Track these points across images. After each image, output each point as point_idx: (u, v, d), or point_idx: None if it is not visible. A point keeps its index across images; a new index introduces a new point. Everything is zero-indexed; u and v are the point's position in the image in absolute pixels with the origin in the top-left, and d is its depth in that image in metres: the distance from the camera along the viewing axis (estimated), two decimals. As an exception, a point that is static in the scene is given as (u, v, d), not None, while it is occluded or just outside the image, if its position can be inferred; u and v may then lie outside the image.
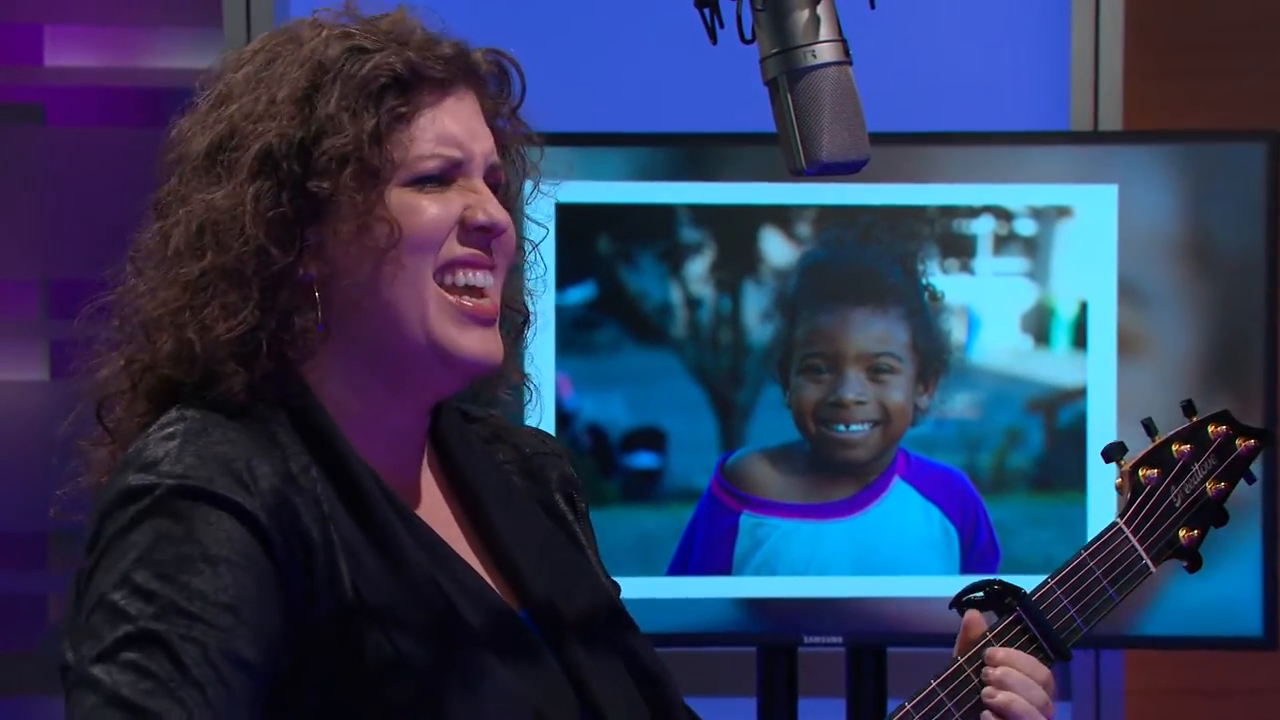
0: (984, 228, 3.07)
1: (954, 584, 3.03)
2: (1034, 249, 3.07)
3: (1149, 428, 2.09)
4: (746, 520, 3.06)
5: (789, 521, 3.06)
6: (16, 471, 3.34)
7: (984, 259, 3.08)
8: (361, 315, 1.77)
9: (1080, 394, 3.07)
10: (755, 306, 3.07)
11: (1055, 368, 3.07)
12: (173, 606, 1.64)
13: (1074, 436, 3.05)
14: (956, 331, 3.07)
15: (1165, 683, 3.52)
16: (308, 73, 1.77)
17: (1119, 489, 2.07)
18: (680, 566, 3.06)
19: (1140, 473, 2.06)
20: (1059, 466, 3.06)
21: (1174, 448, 2.08)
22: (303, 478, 1.73)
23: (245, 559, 1.67)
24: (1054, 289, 3.07)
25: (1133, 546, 2.03)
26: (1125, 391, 3.05)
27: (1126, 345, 3.06)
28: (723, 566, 3.06)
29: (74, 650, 1.67)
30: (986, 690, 1.96)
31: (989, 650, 1.97)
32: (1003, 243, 3.08)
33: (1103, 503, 3.03)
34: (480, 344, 1.79)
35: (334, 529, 1.72)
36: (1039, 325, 3.08)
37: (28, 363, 3.67)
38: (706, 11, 1.72)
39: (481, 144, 1.81)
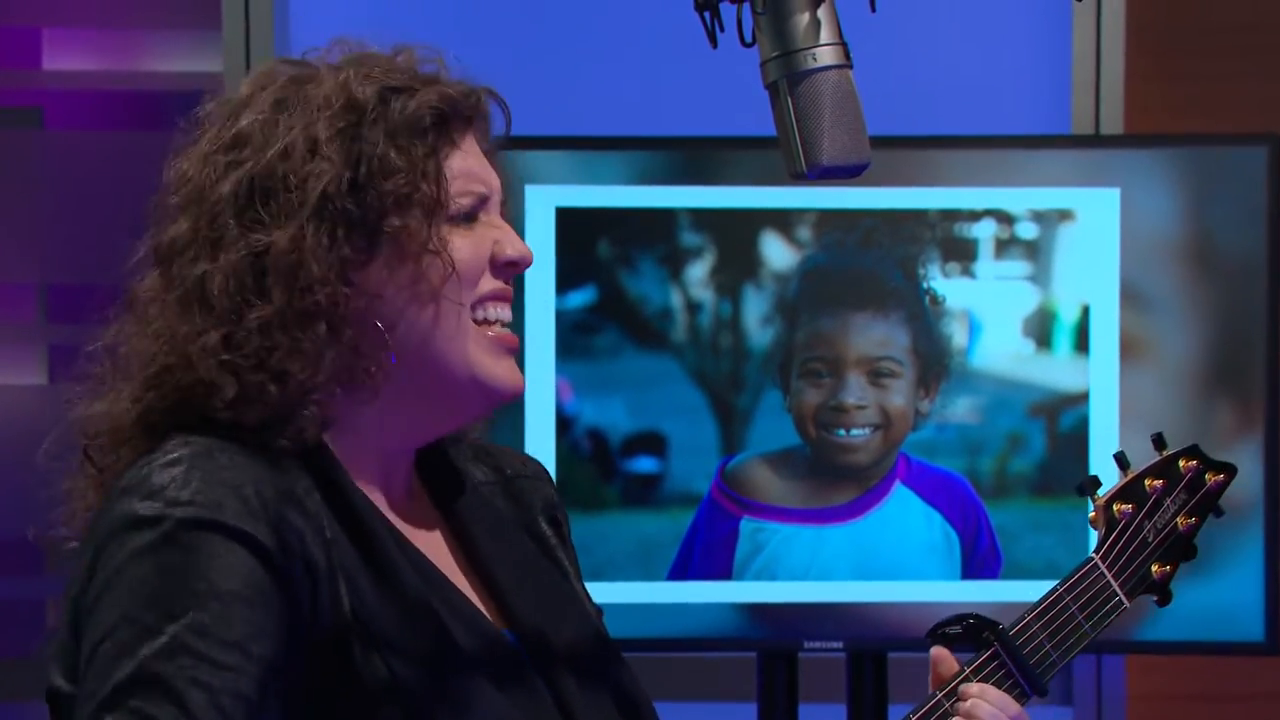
0: (985, 231, 3.07)
1: (955, 589, 3.04)
2: (1035, 252, 3.06)
3: (1121, 461, 2.10)
4: (747, 525, 3.06)
5: (789, 526, 3.06)
6: (15, 476, 3.33)
7: (985, 263, 3.07)
8: (406, 352, 1.78)
9: (1082, 398, 3.06)
10: (756, 310, 3.07)
11: (1057, 372, 3.07)
12: (180, 646, 1.62)
13: (1076, 441, 3.05)
14: (958, 335, 3.07)
15: (1167, 688, 3.51)
16: (343, 113, 1.78)
17: (1093, 524, 2.08)
18: (680, 571, 3.05)
19: (1115, 508, 2.08)
20: (1061, 471, 3.05)
21: (1146, 483, 2.10)
22: (307, 501, 1.72)
23: (254, 591, 1.66)
24: (1056, 293, 3.07)
25: (1108, 582, 2.05)
26: (1126, 396, 3.05)
27: (1128, 349, 3.06)
28: (723, 571, 3.05)
29: (67, 680, 1.67)
30: None
31: (963, 686, 1.97)
32: (1004, 246, 3.07)
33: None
34: (512, 374, 1.82)
35: (335, 553, 1.72)
36: (1041, 329, 3.07)
37: (26, 367, 3.67)
38: (707, 15, 1.71)
39: (497, 180, 1.85)
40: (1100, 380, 3.05)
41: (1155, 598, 2.09)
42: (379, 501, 1.79)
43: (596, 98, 3.47)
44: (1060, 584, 2.04)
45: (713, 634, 3.07)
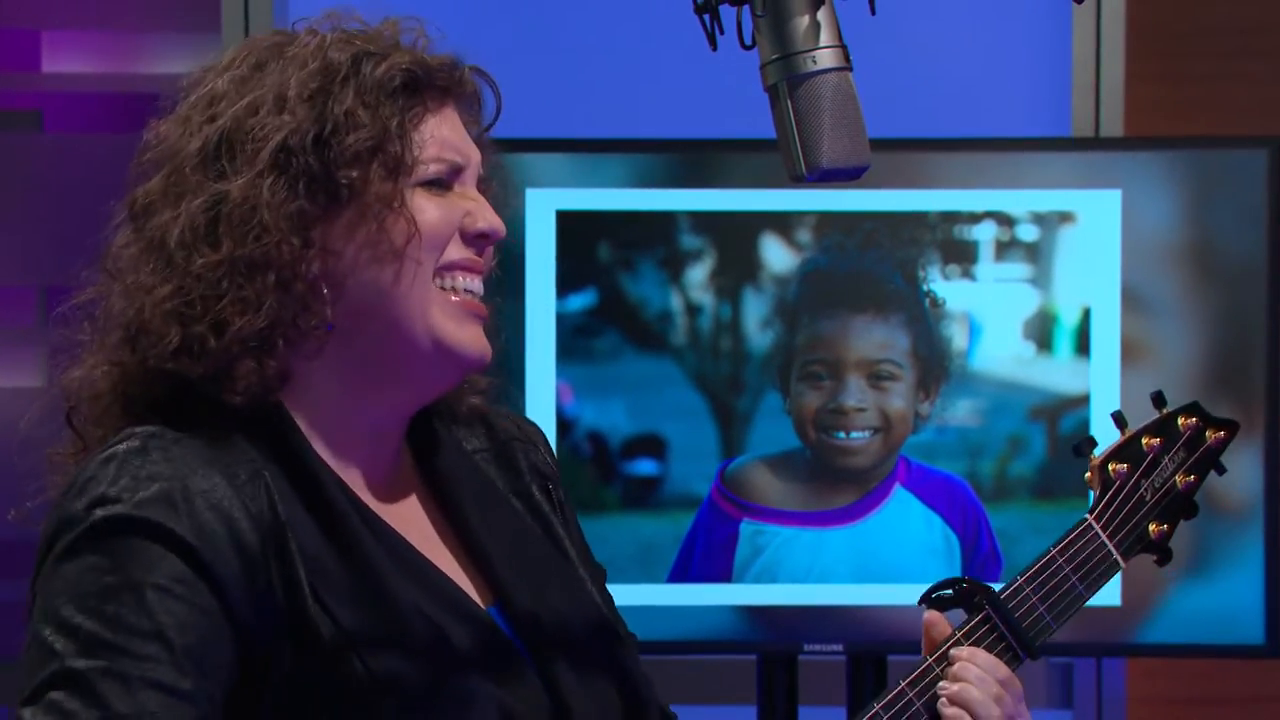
0: (986, 233, 3.06)
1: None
2: (1036, 255, 3.06)
3: (1119, 421, 2.07)
4: (747, 528, 3.06)
5: (789, 529, 3.05)
6: (13, 478, 3.32)
7: (986, 265, 3.07)
8: (362, 313, 1.77)
9: (1083, 401, 3.06)
10: (755, 313, 3.06)
11: (1058, 374, 3.06)
12: (96, 640, 1.64)
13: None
14: (958, 338, 3.06)
15: (1168, 691, 3.51)
16: (315, 73, 1.78)
17: (1088, 483, 2.06)
18: (681, 574, 3.05)
19: (1110, 467, 2.05)
20: (1062, 474, 3.05)
21: (1144, 441, 2.07)
22: (249, 485, 1.71)
23: (175, 581, 1.66)
24: (1056, 295, 3.06)
25: (1102, 542, 2.02)
26: (1126, 398, 3.04)
27: (1128, 352, 3.05)
28: (723, 574, 3.05)
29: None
30: (942, 684, 1.94)
31: (953, 650, 1.96)
32: (1004, 248, 3.07)
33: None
34: (476, 339, 1.80)
35: (290, 533, 1.71)
36: (1041, 331, 3.07)
37: (24, 369, 3.67)
38: (707, 17, 1.71)
39: (476, 155, 1.84)
40: (1101, 383, 3.05)
41: (1154, 557, 2.06)
42: (353, 477, 1.78)
43: (596, 101, 3.47)
44: (1052, 545, 2.02)
45: (713, 636, 3.07)
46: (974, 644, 1.97)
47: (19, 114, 3.68)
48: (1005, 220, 3.06)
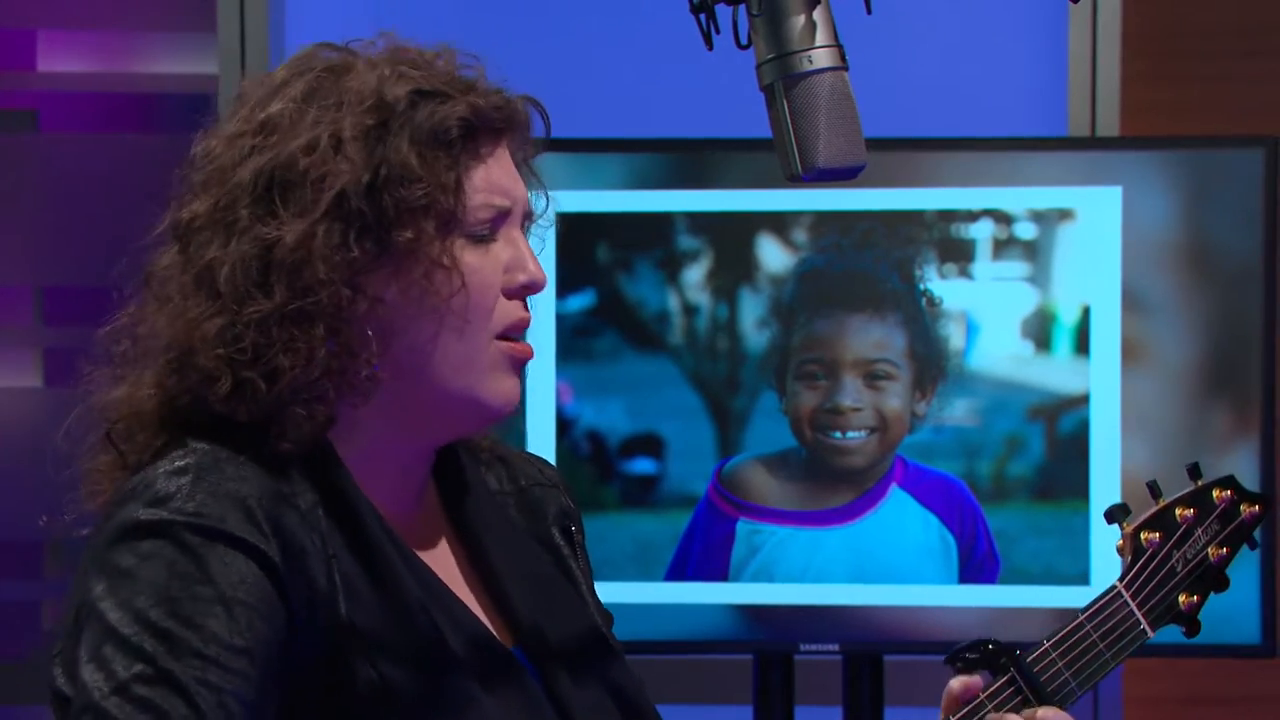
0: (983, 232, 3.06)
1: (952, 593, 3.03)
2: (1034, 253, 3.06)
3: (1154, 490, 2.07)
4: (743, 527, 3.06)
5: (785, 528, 3.05)
6: (10, 479, 3.33)
7: (983, 263, 3.06)
8: (403, 361, 1.77)
9: (1083, 401, 3.05)
10: (752, 313, 3.06)
11: (1057, 374, 3.06)
12: (188, 648, 1.64)
13: (1076, 444, 3.04)
14: (955, 337, 3.06)
15: (1164, 691, 3.51)
16: (371, 112, 1.76)
17: (1120, 551, 2.06)
18: (678, 572, 3.05)
19: (1142, 536, 2.05)
20: (1061, 475, 3.05)
21: (1177, 512, 2.07)
22: (310, 514, 1.72)
23: (259, 600, 1.67)
24: (1055, 293, 3.06)
25: (1131, 611, 2.02)
26: (1124, 399, 3.04)
27: (1124, 352, 3.05)
28: (719, 573, 3.05)
29: (72, 679, 1.66)
30: None
31: (989, 718, 1.96)
32: (1002, 247, 3.06)
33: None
34: (513, 391, 1.81)
35: (336, 567, 1.72)
36: (1040, 330, 3.07)
37: (22, 369, 3.67)
38: (702, 17, 1.71)
39: (522, 190, 1.83)
40: (1101, 382, 3.04)
41: (1183, 629, 2.06)
42: (386, 510, 1.78)
43: (593, 99, 3.46)
44: (1081, 612, 2.02)
45: (709, 636, 3.07)
46: (998, 705, 1.97)
47: (14, 113, 3.68)
48: (1003, 218, 3.06)
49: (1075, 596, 2.94)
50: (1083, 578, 2.99)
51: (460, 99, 1.78)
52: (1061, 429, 3.05)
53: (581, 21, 3.48)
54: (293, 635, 1.68)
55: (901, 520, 3.05)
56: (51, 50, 3.67)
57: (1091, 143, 3.33)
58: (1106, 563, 2.97)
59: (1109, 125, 3.41)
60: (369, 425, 1.78)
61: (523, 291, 1.81)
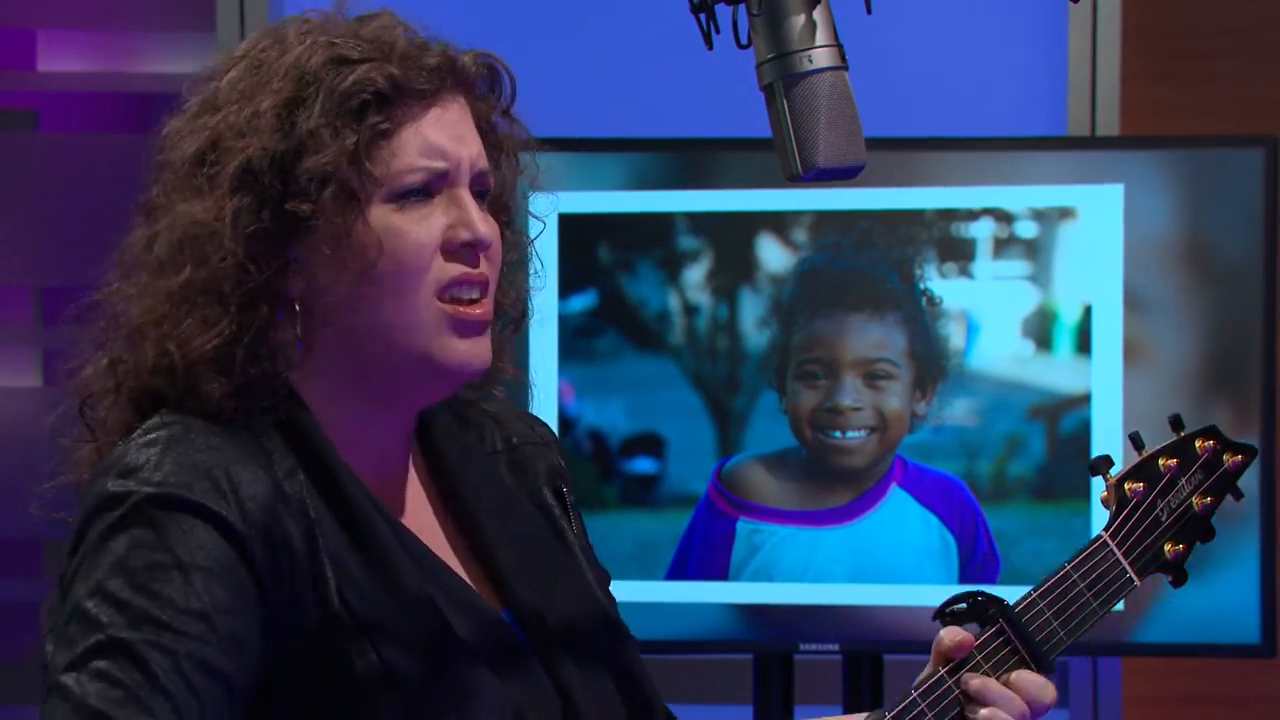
0: (983, 231, 3.06)
1: (950, 593, 3.02)
2: (1035, 251, 3.06)
3: (1136, 441, 2.09)
4: (743, 526, 3.06)
5: (785, 528, 3.05)
6: (9, 478, 3.33)
7: (983, 262, 3.06)
8: (345, 330, 1.77)
9: (1084, 400, 3.05)
10: (752, 313, 3.06)
11: (1058, 373, 3.06)
12: (144, 615, 1.65)
13: (1078, 444, 3.04)
14: (955, 337, 3.06)
15: (1163, 690, 3.51)
16: (290, 84, 1.76)
17: (1105, 502, 2.07)
18: (678, 571, 3.05)
19: (1126, 486, 2.06)
20: (1062, 475, 3.04)
21: (1161, 462, 2.08)
22: (287, 484, 1.73)
23: (221, 567, 1.68)
24: (1056, 292, 3.06)
25: (1117, 560, 2.04)
26: (1125, 398, 3.04)
27: (1124, 351, 3.05)
28: (719, 572, 3.05)
29: (52, 655, 1.68)
30: (970, 707, 1.94)
31: (968, 679, 1.96)
32: (1003, 245, 3.06)
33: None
34: (470, 350, 1.79)
35: (320, 537, 1.72)
36: (1041, 330, 3.06)
37: (21, 369, 3.67)
38: (703, 17, 1.71)
39: (469, 150, 1.80)
40: (1103, 382, 3.04)
41: (1169, 576, 2.07)
42: (370, 478, 1.79)
43: (591, 99, 3.46)
44: (1067, 561, 2.03)
45: (709, 635, 3.07)
46: (987, 656, 1.97)
47: (14, 113, 3.68)
48: (1004, 217, 3.06)
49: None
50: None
51: (377, 63, 1.77)
52: (1062, 429, 3.05)
53: (582, 21, 3.48)
54: (268, 602, 1.69)
55: (901, 520, 3.05)
56: (51, 50, 3.67)
57: (1091, 142, 3.33)
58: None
59: (1109, 125, 3.41)
60: (339, 394, 1.78)
61: (464, 249, 1.78)
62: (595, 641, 1.86)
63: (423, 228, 1.77)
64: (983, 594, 2.01)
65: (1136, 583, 2.04)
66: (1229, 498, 2.10)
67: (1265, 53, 3.50)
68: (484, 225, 1.79)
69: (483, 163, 1.81)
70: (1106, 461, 2.07)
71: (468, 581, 1.81)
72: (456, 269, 1.78)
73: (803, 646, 3.04)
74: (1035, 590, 2.01)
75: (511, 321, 1.90)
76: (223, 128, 1.76)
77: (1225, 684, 3.49)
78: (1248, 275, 3.04)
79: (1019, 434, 3.06)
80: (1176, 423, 2.10)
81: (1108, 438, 3.03)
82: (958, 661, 1.97)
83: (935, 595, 3.02)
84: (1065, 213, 3.05)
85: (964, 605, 2.01)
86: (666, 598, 3.05)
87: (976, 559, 3.04)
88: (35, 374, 3.67)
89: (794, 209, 3.05)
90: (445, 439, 1.88)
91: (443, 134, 1.79)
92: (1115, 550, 2.04)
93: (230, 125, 1.76)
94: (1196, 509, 2.08)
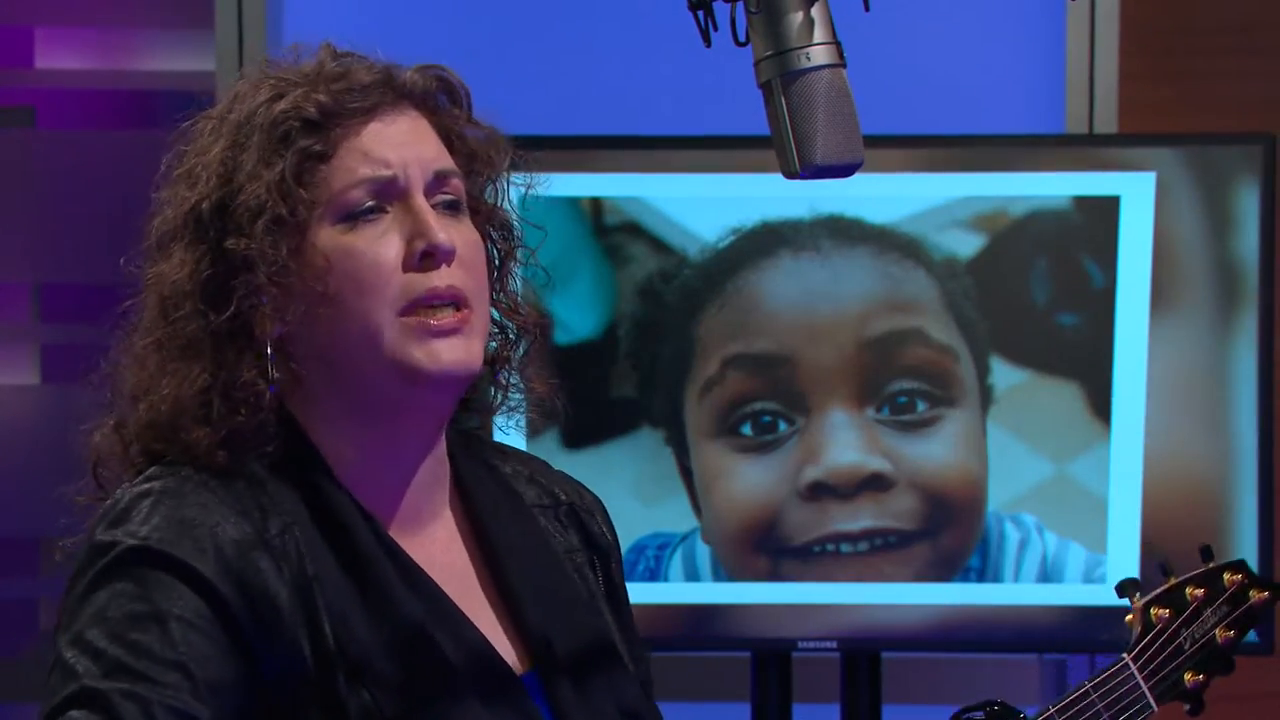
0: (983, 229, 3.05)
1: (948, 591, 3.03)
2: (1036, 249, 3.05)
3: (1165, 568, 2.10)
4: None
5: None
6: (7, 476, 3.33)
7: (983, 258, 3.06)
8: (321, 359, 1.76)
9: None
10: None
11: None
12: (118, 664, 1.66)
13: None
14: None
15: (1161, 688, 3.50)
16: (231, 129, 1.77)
17: (1129, 624, 2.08)
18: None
19: (1152, 611, 2.07)
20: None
21: (1188, 591, 2.10)
22: (279, 540, 1.72)
23: (199, 618, 1.68)
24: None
25: (1137, 684, 2.05)
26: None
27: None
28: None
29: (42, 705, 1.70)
30: None
31: None
32: (1002, 242, 3.06)
33: (1114, 526, 3.02)
34: (446, 349, 1.75)
35: (317, 588, 1.71)
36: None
37: (19, 367, 3.66)
38: (700, 14, 1.71)
39: (417, 155, 1.77)
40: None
41: (1186, 706, 2.09)
42: (385, 516, 1.77)
43: (589, 98, 3.46)
44: (1088, 680, 2.04)
45: (707, 633, 3.07)
46: None
47: (12, 110, 3.68)
48: (1003, 215, 3.05)
49: (1078, 595, 2.95)
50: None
51: (304, 90, 1.76)
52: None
53: (578, 20, 3.48)
54: (254, 658, 1.68)
55: (899, 517, 3.05)
56: (49, 47, 3.67)
57: (1089, 140, 3.33)
58: (1110, 563, 2.97)
59: (1107, 123, 3.41)
60: (339, 426, 1.77)
61: (425, 260, 1.74)
62: (616, 697, 1.82)
63: (379, 245, 1.74)
64: (1001, 704, 2.01)
65: (1154, 708, 2.06)
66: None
67: (1264, 50, 3.50)
68: (444, 233, 1.75)
69: (440, 164, 1.78)
70: (1134, 584, 2.09)
71: (489, 632, 1.78)
72: (421, 285, 1.74)
73: (801, 644, 3.04)
74: (1053, 706, 2.02)
75: (527, 332, 1.86)
76: (180, 188, 1.78)
77: (1224, 681, 3.49)
78: (1245, 273, 3.03)
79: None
80: (1206, 553, 2.12)
81: (1117, 435, 3.03)
82: None
83: (932, 593, 3.04)
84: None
85: (980, 716, 2.01)
86: (665, 596, 3.04)
87: (974, 556, 3.04)
88: (33, 371, 3.67)
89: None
90: (475, 484, 1.85)
91: (383, 144, 1.76)
92: (1136, 674, 2.05)
93: (182, 181, 1.78)
94: (1220, 641, 2.10)
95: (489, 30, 3.39)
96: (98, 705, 1.64)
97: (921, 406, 3.01)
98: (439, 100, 1.81)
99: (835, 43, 1.70)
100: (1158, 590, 2.09)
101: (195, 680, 1.66)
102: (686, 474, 3.01)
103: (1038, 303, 3.03)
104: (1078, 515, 3.01)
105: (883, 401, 3.00)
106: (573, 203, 3.00)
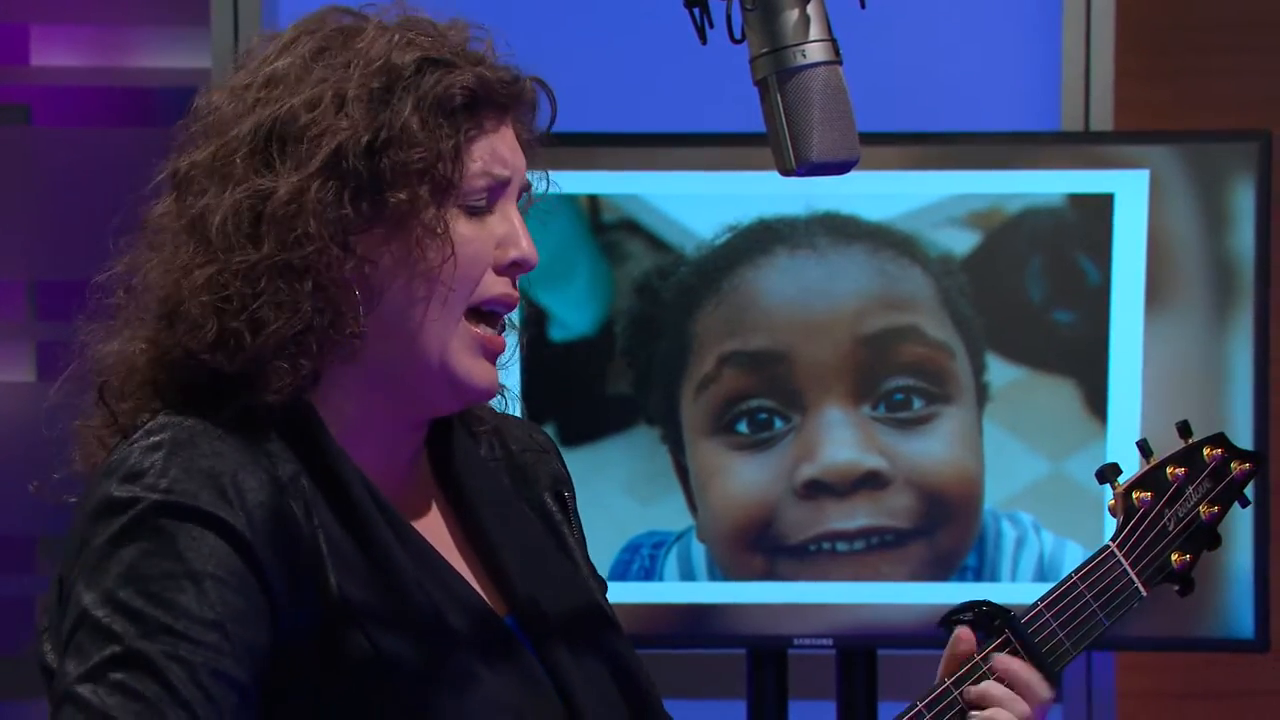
0: (981, 227, 3.05)
1: (945, 589, 3.03)
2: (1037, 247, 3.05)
3: (1144, 449, 2.08)
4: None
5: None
6: (3, 473, 3.33)
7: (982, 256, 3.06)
8: (388, 325, 1.76)
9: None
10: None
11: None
12: (159, 625, 1.64)
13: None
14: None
15: (1157, 685, 3.51)
16: (378, 75, 1.76)
17: (1112, 511, 2.06)
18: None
19: (1134, 495, 2.05)
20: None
21: (1168, 470, 2.07)
22: (292, 486, 1.72)
23: (231, 575, 1.67)
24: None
25: (1124, 570, 2.02)
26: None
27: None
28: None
29: (59, 660, 1.67)
30: (973, 714, 1.94)
31: (997, 658, 1.96)
32: (998, 239, 3.06)
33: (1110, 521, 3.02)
34: (488, 377, 1.80)
35: (322, 536, 1.71)
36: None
37: (14, 364, 3.66)
38: (696, 11, 1.71)
39: (521, 164, 1.82)
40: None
41: (1176, 587, 2.07)
42: (376, 475, 1.78)
43: (587, 96, 3.46)
44: (1075, 571, 2.02)
45: (703, 630, 3.07)
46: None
47: (7, 108, 3.68)
48: (1000, 213, 3.05)
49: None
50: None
51: (467, 69, 1.78)
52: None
53: (575, 18, 3.48)
54: (275, 608, 1.68)
55: (895, 515, 3.05)
56: (44, 45, 3.67)
57: (1085, 138, 3.33)
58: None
59: (1102, 120, 3.41)
60: (355, 392, 1.78)
61: (513, 269, 1.80)
62: (593, 640, 1.86)
63: (484, 240, 1.79)
64: (988, 603, 2.00)
65: (1144, 593, 2.03)
66: (1235, 505, 2.10)
67: (1260, 48, 3.50)
68: (532, 247, 1.81)
69: (526, 178, 1.84)
70: (1114, 470, 2.06)
71: (471, 582, 1.81)
72: (500, 286, 1.79)
73: (796, 641, 3.04)
74: (1041, 600, 2.00)
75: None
76: (298, 107, 1.75)
77: (1219, 679, 3.50)
78: (1240, 270, 3.04)
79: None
80: (1184, 429, 2.09)
81: (1117, 431, 3.03)
82: (963, 673, 1.96)
83: (929, 591, 3.04)
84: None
85: (969, 615, 2.00)
86: (662, 594, 3.04)
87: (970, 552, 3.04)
88: (29, 369, 3.67)
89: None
90: (450, 443, 1.88)
91: (506, 145, 1.81)
92: (1122, 560, 2.02)
93: (311, 105, 1.75)
94: (1204, 518, 2.07)
95: (486, 29, 3.38)
96: (142, 667, 1.63)
97: (918, 404, 3.01)
98: (526, 112, 1.85)
99: (831, 40, 1.70)
100: (1137, 473, 2.07)
101: (233, 639, 1.65)
102: (682, 472, 3.01)
103: (1033, 300, 3.03)
104: (1074, 513, 3.01)
105: (879, 399, 3.00)
106: (570, 200, 3.00)
